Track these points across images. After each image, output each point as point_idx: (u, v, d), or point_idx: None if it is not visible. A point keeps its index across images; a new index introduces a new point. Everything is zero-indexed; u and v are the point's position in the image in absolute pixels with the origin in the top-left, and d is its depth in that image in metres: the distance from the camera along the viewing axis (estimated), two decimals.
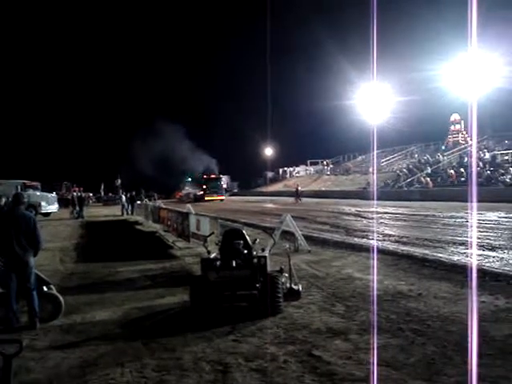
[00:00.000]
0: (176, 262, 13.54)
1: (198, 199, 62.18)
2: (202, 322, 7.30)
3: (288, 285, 8.61)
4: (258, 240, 9.03)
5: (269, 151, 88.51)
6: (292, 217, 14.68)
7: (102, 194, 73.78)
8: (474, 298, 7.83)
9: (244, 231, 8.77)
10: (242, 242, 8.18)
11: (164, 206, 24.69)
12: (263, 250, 8.66)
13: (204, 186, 64.62)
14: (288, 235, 14.58)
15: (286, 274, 8.72)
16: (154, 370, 5.67)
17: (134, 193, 40.69)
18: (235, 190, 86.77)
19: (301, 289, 8.68)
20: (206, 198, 61.05)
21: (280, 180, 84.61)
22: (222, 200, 61.31)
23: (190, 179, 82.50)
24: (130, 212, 37.85)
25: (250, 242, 8.39)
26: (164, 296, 9.26)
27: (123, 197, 40.17)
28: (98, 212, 43.84)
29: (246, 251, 8.06)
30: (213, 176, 68.28)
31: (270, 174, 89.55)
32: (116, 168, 75.36)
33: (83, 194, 46.78)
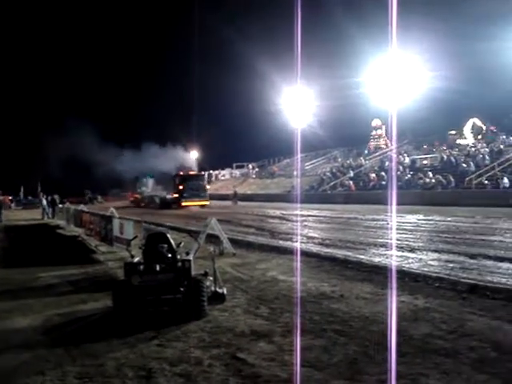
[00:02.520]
0: (99, 266, 13.26)
1: (169, 205, 47.05)
2: (125, 327, 7.17)
3: (213, 288, 8.59)
4: (182, 243, 8.96)
5: (194, 154, 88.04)
6: (217, 220, 14.66)
7: (22, 197, 71.28)
8: (394, 298, 8.04)
9: (168, 235, 8.69)
10: (166, 245, 8.09)
11: (86, 210, 24.11)
12: (188, 254, 8.59)
13: (180, 187, 46.45)
14: (213, 238, 14.54)
15: (211, 278, 8.70)
16: (75, 377, 5.53)
17: (55, 196, 39.44)
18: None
19: (225, 292, 8.67)
20: (184, 204, 45.21)
21: (207, 183, 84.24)
22: (203, 206, 45.14)
23: (151, 178, 64.78)
24: (50, 216, 36.80)
25: (174, 246, 8.31)
26: (87, 301, 9.05)
27: (44, 200, 38.97)
28: (17, 216, 42.39)
29: (170, 255, 7.97)
30: (191, 173, 50.99)
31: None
32: (36, 169, 70.99)
33: (1, 198, 45.08)
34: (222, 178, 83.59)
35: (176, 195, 47.31)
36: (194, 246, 9.77)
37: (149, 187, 62.11)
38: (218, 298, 8.45)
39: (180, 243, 8.81)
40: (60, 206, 35.94)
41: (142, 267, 7.74)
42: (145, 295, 7.42)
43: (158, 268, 7.61)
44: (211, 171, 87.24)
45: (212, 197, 52.00)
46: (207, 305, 7.70)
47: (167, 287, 7.51)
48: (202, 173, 53.65)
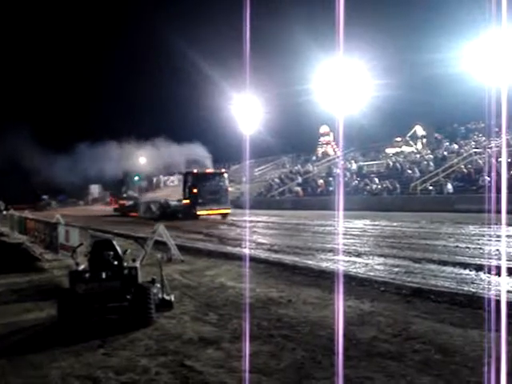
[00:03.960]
0: (44, 274, 12.97)
1: (174, 214, 34.53)
2: (70, 336, 7.02)
3: (160, 295, 8.50)
4: (129, 250, 8.84)
5: (142, 160, 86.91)
6: (166, 226, 14.54)
7: None
8: (341, 302, 8.12)
9: (114, 242, 8.56)
10: (112, 252, 7.97)
11: (31, 217, 23.55)
12: (134, 261, 8.49)
13: (194, 190, 33.92)
14: (161, 245, 14.42)
15: (158, 285, 8.61)
16: None
17: None
18: (107, 200, 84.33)
19: (173, 299, 8.61)
20: (200, 213, 33.00)
21: (153, 189, 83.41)
22: (225, 215, 33.12)
23: (138, 179, 56.94)
24: None
25: (120, 253, 8.20)
26: (31, 310, 8.83)
27: None
28: None
29: (116, 262, 7.86)
30: (209, 171, 37.34)
31: (143, 184, 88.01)
32: None
33: None
34: (171, 183, 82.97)
35: (187, 201, 34.42)
36: (141, 253, 9.65)
37: (142, 190, 53.46)
38: (165, 305, 8.37)
39: (126, 250, 8.69)
40: (4, 212, 35.05)
41: (87, 275, 7.61)
42: (90, 303, 7.30)
43: (103, 276, 7.50)
44: (160, 176, 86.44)
45: None
46: (154, 312, 7.62)
47: (113, 295, 7.41)
48: (223, 170, 38.96)
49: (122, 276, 7.62)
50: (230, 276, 11.38)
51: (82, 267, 8.19)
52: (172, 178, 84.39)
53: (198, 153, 43.85)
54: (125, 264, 8.03)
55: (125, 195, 49.79)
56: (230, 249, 16.17)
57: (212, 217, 32.96)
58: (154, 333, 7.10)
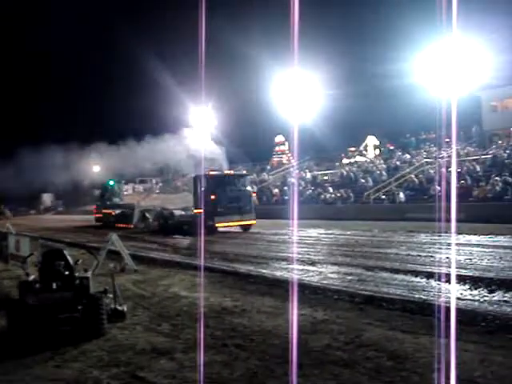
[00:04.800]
0: None
1: (180, 227, 27.04)
2: (20, 348, 6.87)
3: (113, 306, 8.39)
4: (80, 260, 8.71)
5: (96, 168, 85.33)
6: (119, 236, 14.38)
7: None
8: (295, 311, 8.15)
9: (65, 251, 8.42)
10: (63, 262, 7.84)
11: None
12: (86, 271, 8.37)
13: (212, 197, 26.61)
14: (115, 255, 14.24)
15: (111, 295, 8.50)
16: None
17: None
18: (60, 209, 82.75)
19: (126, 309, 8.50)
20: (220, 225, 26.26)
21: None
22: (249, 227, 27.08)
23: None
24: None
25: (71, 263, 8.06)
26: None
27: None
28: None
29: (67, 272, 7.73)
30: (228, 173, 30.09)
31: (97, 192, 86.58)
32: None
33: None
34: (125, 192, 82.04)
35: (199, 210, 26.17)
36: (94, 263, 9.52)
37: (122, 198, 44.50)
38: (118, 316, 8.26)
39: (78, 260, 8.56)
40: None
41: (37, 286, 7.46)
42: (41, 314, 7.16)
43: (54, 286, 7.37)
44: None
45: None
46: (107, 323, 7.52)
47: (64, 306, 7.28)
48: (245, 172, 33.91)
49: (74, 286, 7.50)
50: (184, 286, 11.32)
51: (32, 277, 8.02)
52: (126, 186, 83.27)
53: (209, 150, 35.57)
54: (76, 274, 7.90)
55: (108, 203, 41.31)
56: (184, 258, 16.08)
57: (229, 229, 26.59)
58: (106, 344, 7.01)
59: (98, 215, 41.51)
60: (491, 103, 40.69)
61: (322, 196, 37.37)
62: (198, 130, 48.25)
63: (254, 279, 11.65)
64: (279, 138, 58.04)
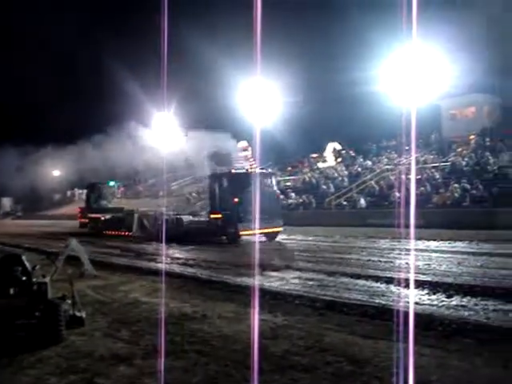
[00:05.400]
0: None
1: (191, 234, 24.31)
2: None
3: (71, 312, 8.26)
4: (38, 266, 8.55)
5: (56, 172, 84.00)
6: (80, 241, 14.20)
7: None
8: (256, 316, 8.14)
9: (23, 256, 8.26)
10: (20, 268, 7.69)
11: None
12: (44, 277, 8.22)
13: (235, 200, 22.55)
14: (74, 260, 14.04)
15: (69, 301, 8.37)
16: None
17: None
18: (19, 214, 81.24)
19: (85, 315, 8.37)
20: (245, 233, 22.15)
21: (67, 202, 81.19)
22: (275, 234, 23.29)
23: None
24: None
25: (29, 268, 7.91)
26: None
27: None
28: None
29: (24, 278, 7.59)
30: (251, 171, 24.86)
31: (57, 196, 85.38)
32: None
33: None
34: (84, 197, 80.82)
35: (217, 215, 23.36)
36: (52, 268, 9.36)
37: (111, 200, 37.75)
38: (76, 322, 8.13)
39: (35, 266, 8.40)
40: None
41: None
42: None
43: (11, 292, 7.23)
44: (74, 190, 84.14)
45: (71, 217, 43.90)
46: (65, 329, 7.38)
47: (21, 312, 7.14)
48: (270, 170, 29.74)
49: (31, 292, 7.36)
50: (145, 291, 11.21)
51: None
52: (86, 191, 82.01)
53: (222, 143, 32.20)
54: (34, 280, 7.76)
55: (95, 206, 35.97)
56: (145, 264, 15.97)
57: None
58: (64, 350, 6.88)
59: (82, 220, 36.28)
60: (450, 111, 41.47)
61: (285, 202, 37.53)
62: (160, 135, 47.95)
63: (215, 285, 11.63)
64: (242, 144, 58.02)
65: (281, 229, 23.28)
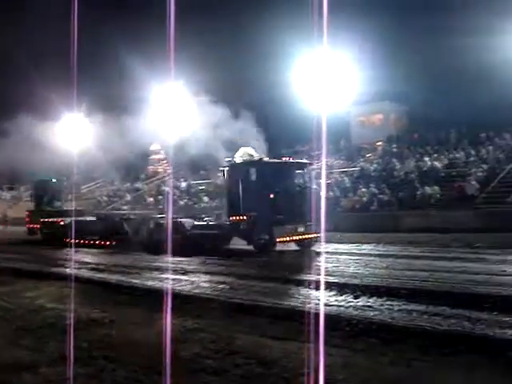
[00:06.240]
0: None
1: (223, 242, 19.33)
2: None
3: None
4: None
5: None
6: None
7: None
8: (166, 320, 8.06)
9: None
10: None
11: None
12: None
13: (271, 196, 17.50)
14: None
15: None
16: None
17: None
18: None
19: None
20: (282, 240, 17.42)
21: None
22: (312, 243, 18.32)
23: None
24: None
25: None
26: None
27: None
28: None
29: None
30: (285, 162, 19.66)
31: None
32: None
33: None
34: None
35: (243, 217, 18.22)
36: None
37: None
38: None
39: None
40: None
41: None
42: None
43: None
44: None
45: None
46: None
47: None
48: (305, 161, 21.83)
49: None
50: (52, 297, 10.89)
51: None
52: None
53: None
54: None
55: (49, 208, 30.10)
56: (53, 269, 15.50)
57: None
58: None
59: (32, 226, 29.35)
60: (359, 118, 42.72)
61: (196, 206, 37.49)
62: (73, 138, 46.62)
63: (125, 289, 11.45)
64: (155, 146, 57.40)
65: (319, 234, 17.88)
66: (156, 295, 10.35)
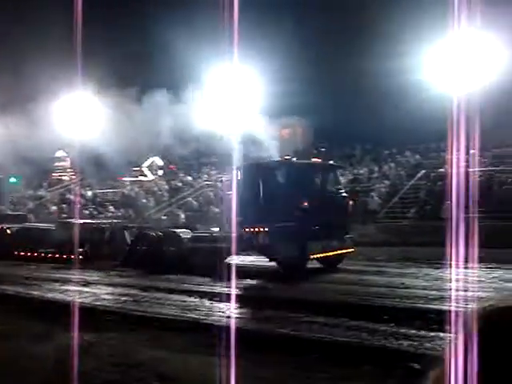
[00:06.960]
0: None
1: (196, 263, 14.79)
2: None
3: None
4: None
5: None
6: None
7: None
8: (65, 334, 7.86)
9: None
10: None
11: None
12: None
13: (304, 204, 14.42)
14: None
15: None
16: None
17: None
18: None
19: None
20: (315, 256, 14.68)
21: None
22: (340, 259, 15.51)
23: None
24: None
25: None
26: None
27: None
28: None
29: None
30: (315, 162, 16.95)
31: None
32: None
33: None
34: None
35: (264, 229, 14.83)
36: None
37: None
38: None
39: None
40: None
41: None
42: None
43: None
44: None
45: None
46: None
47: None
48: (331, 162, 18.06)
49: None
50: None
51: None
52: None
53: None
54: None
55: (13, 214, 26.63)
56: None
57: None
58: None
59: None
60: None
61: (102, 215, 36.87)
62: None
63: (23, 301, 11.07)
64: (61, 153, 55.77)
65: (351, 250, 15.59)
66: (56, 307, 10.14)
